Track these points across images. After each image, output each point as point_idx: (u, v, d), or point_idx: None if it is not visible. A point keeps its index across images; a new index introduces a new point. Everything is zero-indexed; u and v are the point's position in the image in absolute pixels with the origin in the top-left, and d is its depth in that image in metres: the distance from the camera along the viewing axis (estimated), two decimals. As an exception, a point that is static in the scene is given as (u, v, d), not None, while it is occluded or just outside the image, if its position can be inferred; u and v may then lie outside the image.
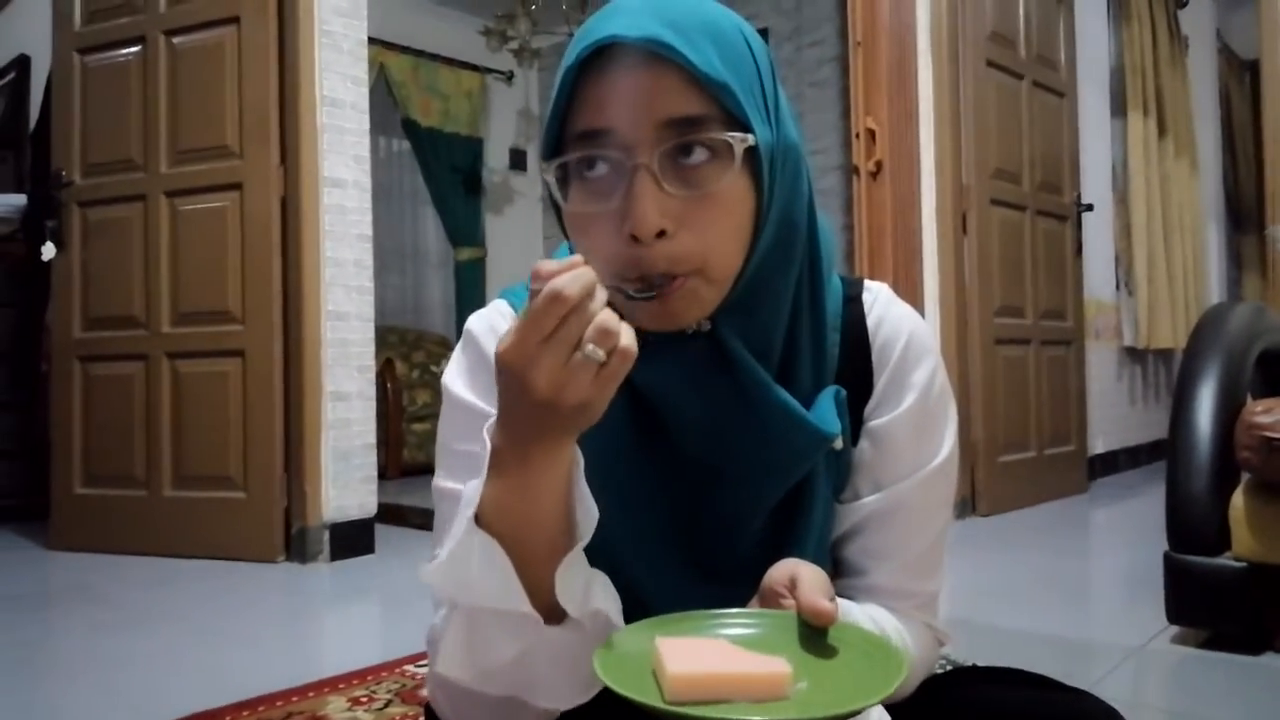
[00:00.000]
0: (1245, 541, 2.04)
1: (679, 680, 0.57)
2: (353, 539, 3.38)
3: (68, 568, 3.34)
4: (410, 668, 2.08)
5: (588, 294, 0.60)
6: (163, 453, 3.43)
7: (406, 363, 5.89)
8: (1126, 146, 5.37)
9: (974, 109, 3.94)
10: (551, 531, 0.69)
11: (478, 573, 0.68)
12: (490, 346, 0.85)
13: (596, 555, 0.73)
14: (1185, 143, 5.90)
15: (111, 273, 3.54)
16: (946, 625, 0.92)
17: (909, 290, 3.72)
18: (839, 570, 0.88)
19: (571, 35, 0.83)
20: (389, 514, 3.86)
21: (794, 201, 0.79)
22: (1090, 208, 4.70)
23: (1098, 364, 5.06)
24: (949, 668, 1.07)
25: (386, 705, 1.85)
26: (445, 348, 6.25)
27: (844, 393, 0.83)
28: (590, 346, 0.60)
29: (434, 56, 6.60)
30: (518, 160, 7.30)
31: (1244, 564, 2.05)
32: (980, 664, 1.44)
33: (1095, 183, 5.04)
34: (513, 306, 0.89)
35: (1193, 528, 2.12)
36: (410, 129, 6.53)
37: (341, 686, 1.97)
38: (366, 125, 3.52)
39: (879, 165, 3.76)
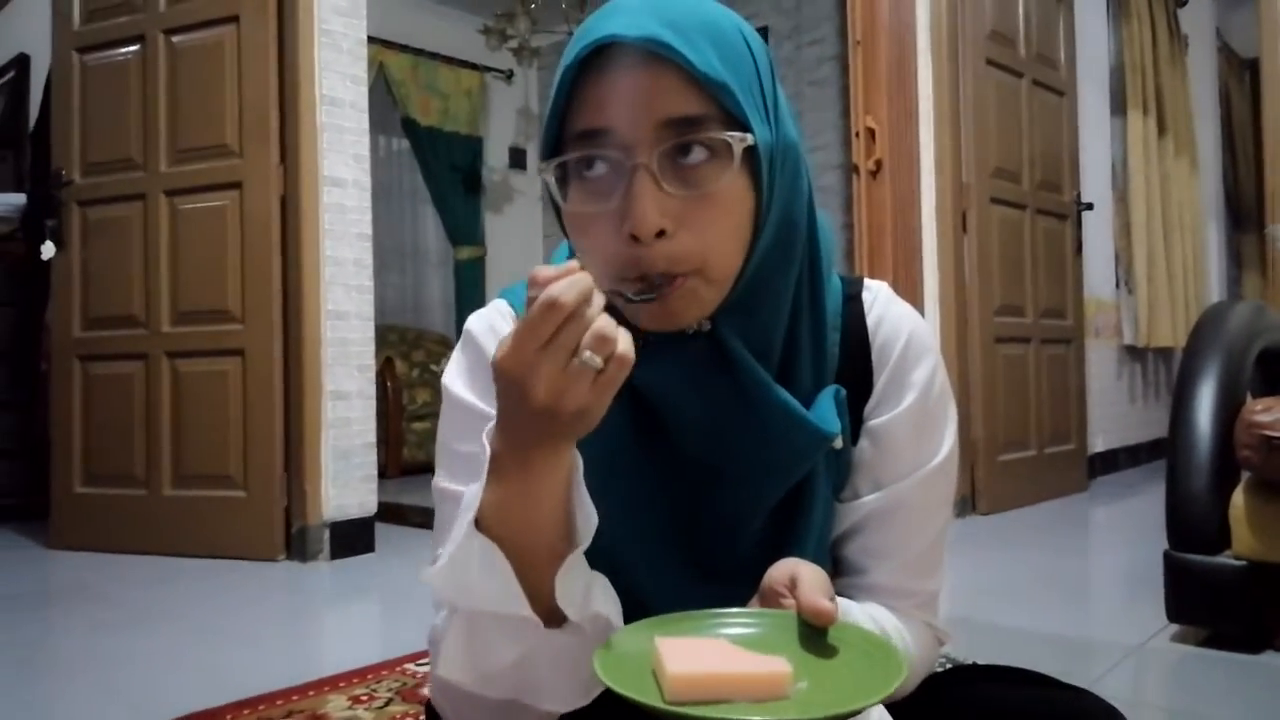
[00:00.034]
0: (1245, 540, 2.04)
1: (679, 680, 0.57)
2: (353, 538, 3.38)
3: (68, 567, 3.34)
4: (410, 666, 2.08)
5: (584, 300, 0.60)
6: (163, 452, 3.44)
7: (406, 362, 5.89)
8: (1126, 145, 5.37)
9: (974, 108, 3.94)
10: (551, 535, 0.69)
11: (478, 576, 0.68)
12: (490, 346, 0.85)
13: (597, 555, 0.73)
14: (1185, 141, 5.90)
15: (111, 272, 3.54)
16: (946, 624, 0.92)
17: (909, 289, 3.72)
18: (839, 569, 0.88)
19: (571, 34, 0.82)
20: (389, 513, 3.86)
21: (794, 201, 0.79)
22: (1090, 206, 4.69)
23: (1098, 362, 5.06)
24: (949, 666, 1.07)
25: (387, 704, 1.85)
26: (445, 346, 6.25)
27: (844, 392, 0.83)
28: (588, 353, 0.60)
29: (433, 55, 6.60)
30: (517, 159, 7.30)
31: (1244, 562, 2.05)
32: (980, 662, 1.44)
33: (1095, 181, 5.04)
34: (512, 306, 0.89)
35: (1193, 526, 2.12)
36: (410, 128, 6.53)
37: (342, 685, 1.97)
38: (366, 124, 3.52)
39: (879, 164, 3.76)
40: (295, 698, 1.89)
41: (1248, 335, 2.28)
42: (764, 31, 5.90)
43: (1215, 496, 2.10)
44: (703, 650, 0.61)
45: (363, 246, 3.48)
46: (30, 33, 4.77)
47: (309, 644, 2.53)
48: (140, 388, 3.48)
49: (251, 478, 3.31)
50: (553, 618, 0.71)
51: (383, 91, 6.22)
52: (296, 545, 3.29)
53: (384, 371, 5.32)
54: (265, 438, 3.29)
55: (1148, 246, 5.40)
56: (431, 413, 5.64)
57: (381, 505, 3.57)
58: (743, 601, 0.72)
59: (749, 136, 0.72)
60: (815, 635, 0.65)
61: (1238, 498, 2.07)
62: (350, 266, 3.43)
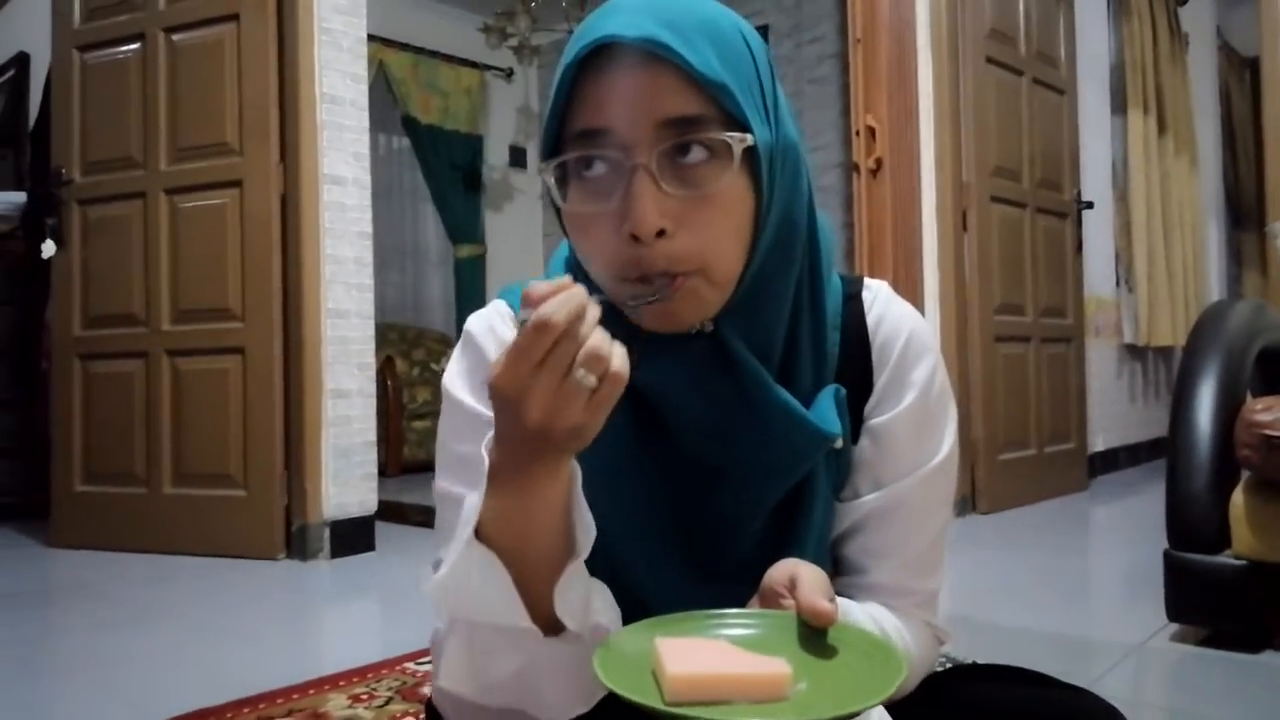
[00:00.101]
0: (1245, 539, 2.04)
1: (679, 681, 0.57)
2: (353, 536, 3.38)
3: (68, 565, 3.34)
4: (410, 665, 2.08)
5: (577, 318, 0.60)
6: (163, 450, 3.44)
7: (406, 360, 5.89)
8: (1126, 144, 5.37)
9: (974, 106, 3.94)
10: (551, 546, 0.70)
11: (477, 588, 0.69)
12: (489, 347, 0.85)
13: (597, 554, 0.73)
14: (1185, 140, 5.90)
15: (111, 270, 3.54)
16: (946, 623, 0.92)
17: (909, 288, 3.72)
18: (839, 568, 0.88)
19: (571, 32, 0.83)
20: (389, 511, 3.86)
21: (794, 201, 0.79)
22: (1090, 205, 4.69)
23: (1098, 361, 5.06)
24: (949, 665, 1.07)
25: (387, 703, 1.85)
26: (445, 345, 6.25)
27: (844, 392, 0.83)
28: (581, 372, 0.60)
29: (434, 53, 6.60)
30: (517, 157, 7.30)
31: (1244, 562, 2.05)
32: (980, 661, 1.44)
33: (1095, 180, 5.04)
34: (511, 307, 0.89)
35: (1193, 525, 2.12)
36: (410, 126, 6.53)
37: (342, 684, 1.97)
38: (366, 122, 3.52)
39: (879, 163, 3.76)
40: (295, 696, 1.89)
41: (1248, 334, 2.28)
42: (764, 29, 5.90)
43: (1215, 496, 2.10)
44: (703, 651, 0.61)
45: (363, 245, 3.48)
46: (30, 31, 4.76)
47: (309, 643, 2.53)
48: (140, 386, 3.48)
49: (252, 476, 3.31)
50: (553, 627, 0.71)
51: (383, 90, 6.23)
52: (297, 544, 3.29)
53: (384, 370, 5.33)
54: (265, 436, 3.29)
55: (1148, 245, 5.40)
56: (432, 411, 5.64)
57: (382, 504, 3.57)
58: (743, 601, 0.72)
59: (748, 137, 0.72)
60: (815, 636, 0.65)
61: (1238, 497, 2.07)
62: (350, 265, 3.43)
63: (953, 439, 0.88)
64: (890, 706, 0.76)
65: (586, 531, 0.70)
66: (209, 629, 2.53)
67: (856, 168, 3.83)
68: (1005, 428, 4.04)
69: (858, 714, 0.57)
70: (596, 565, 0.74)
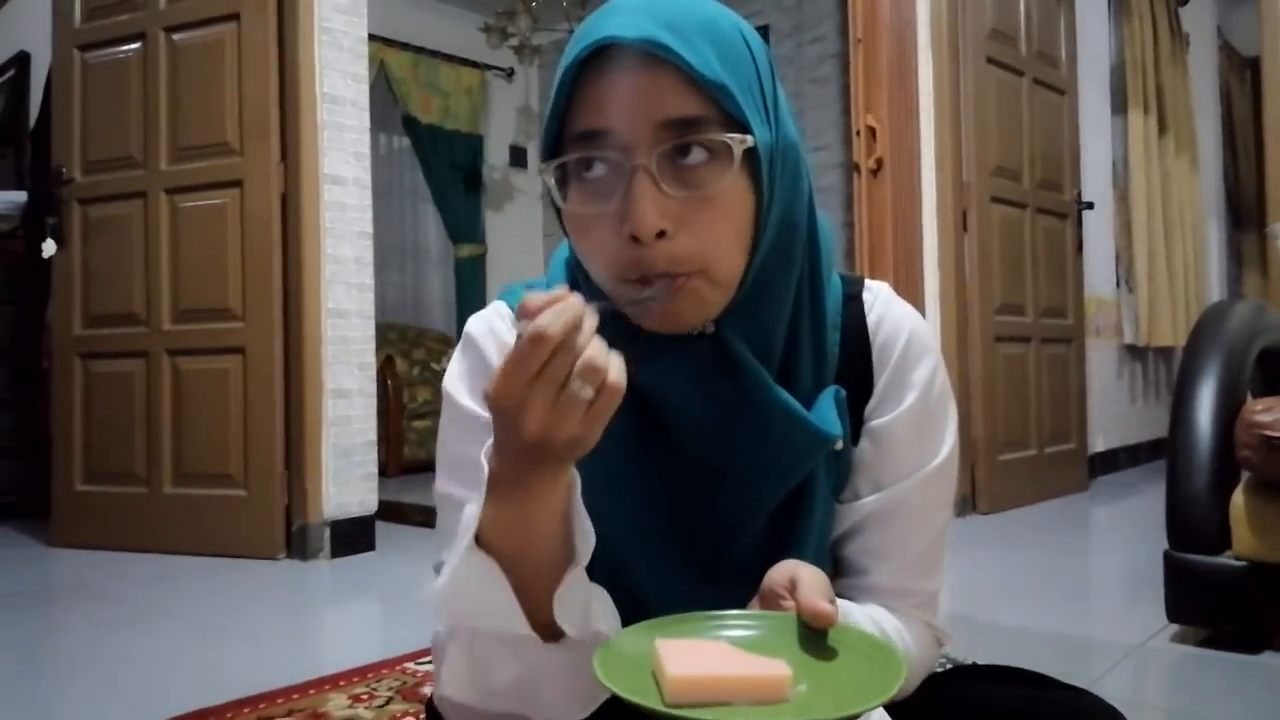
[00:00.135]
0: (1245, 540, 2.04)
1: (679, 683, 0.57)
2: (353, 536, 3.38)
3: (68, 564, 3.34)
4: (411, 665, 2.08)
5: (573, 329, 0.60)
6: (163, 450, 3.44)
7: (407, 360, 5.89)
8: (1127, 144, 5.36)
9: (974, 106, 3.94)
10: (551, 553, 0.70)
11: (477, 595, 0.69)
12: (489, 348, 0.86)
13: (597, 554, 0.73)
14: (1186, 140, 5.90)
15: (112, 270, 3.54)
16: (946, 623, 0.92)
17: (909, 288, 3.72)
18: (839, 570, 0.88)
19: (572, 32, 0.83)
20: (390, 511, 3.86)
21: (794, 202, 0.79)
22: (1091, 205, 4.69)
23: (1098, 362, 5.06)
24: (949, 666, 1.07)
25: (387, 703, 1.85)
26: (446, 345, 6.25)
27: (844, 393, 0.83)
28: (578, 384, 0.60)
29: (434, 53, 6.60)
30: (518, 157, 7.30)
31: (1244, 563, 2.05)
32: (980, 662, 1.44)
33: (1096, 180, 5.04)
34: (511, 308, 0.89)
35: (1193, 526, 2.12)
36: (410, 126, 6.53)
37: (342, 684, 1.97)
38: (367, 122, 3.52)
39: (879, 162, 3.76)
40: (296, 696, 1.89)
41: (1248, 334, 2.28)
42: (765, 29, 5.90)
43: (1215, 496, 2.10)
44: (703, 652, 0.61)
45: (363, 244, 3.48)
46: (31, 30, 4.76)
47: (309, 642, 2.53)
48: (141, 386, 3.48)
49: (252, 476, 3.31)
50: (553, 633, 0.71)
51: (383, 89, 6.22)
52: (297, 543, 3.29)
53: (384, 370, 5.32)
54: (266, 436, 3.29)
55: (1148, 245, 5.40)
56: (432, 411, 5.64)
57: (382, 503, 3.57)
58: (743, 602, 0.73)
59: (749, 138, 0.72)
60: (815, 638, 0.65)
61: (1238, 498, 2.07)
62: (351, 264, 3.43)
63: (953, 440, 0.88)
64: (890, 707, 0.76)
65: (586, 539, 0.70)
66: (209, 629, 2.53)
67: (857, 167, 3.84)
68: (1005, 428, 4.04)
69: (858, 716, 0.57)
70: (596, 565, 0.74)
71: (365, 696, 1.89)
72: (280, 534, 3.28)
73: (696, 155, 0.72)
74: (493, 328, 0.87)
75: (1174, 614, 2.16)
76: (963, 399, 3.77)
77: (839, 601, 0.70)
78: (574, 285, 0.84)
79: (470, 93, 6.86)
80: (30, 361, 4.38)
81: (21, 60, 5.12)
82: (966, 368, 3.89)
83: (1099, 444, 4.98)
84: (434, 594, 0.70)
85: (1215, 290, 6.49)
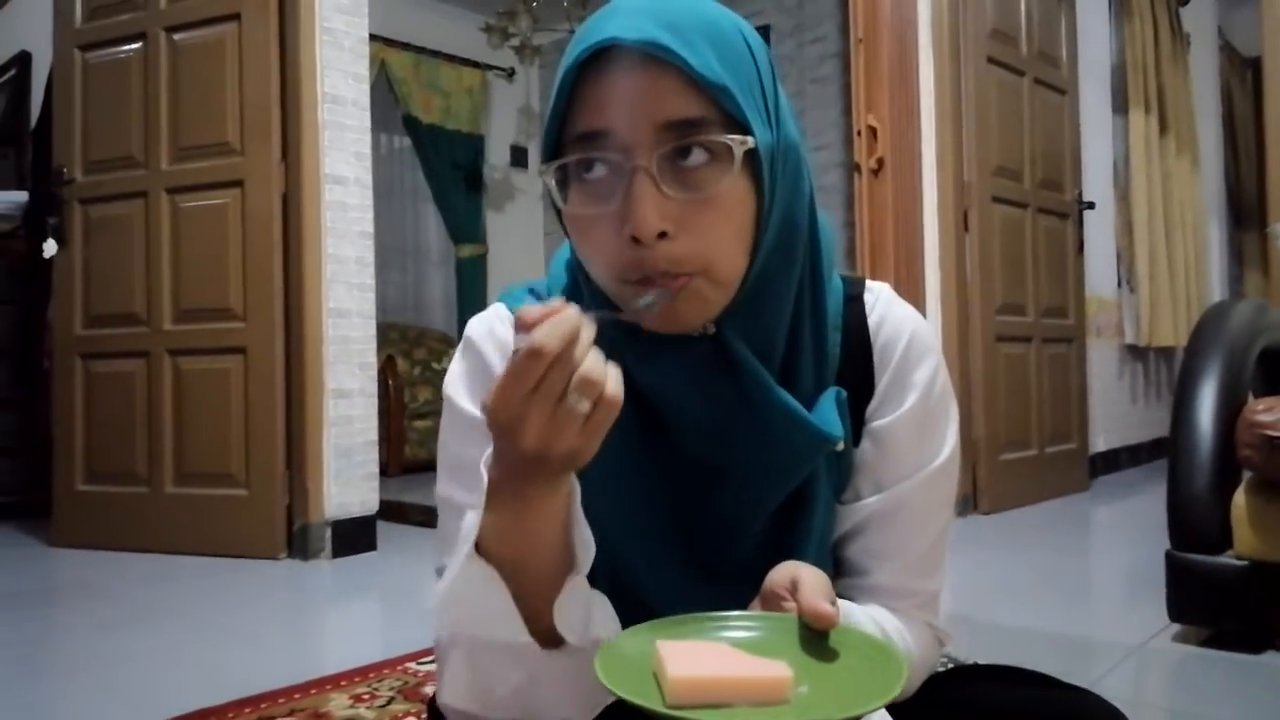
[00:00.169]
0: (1247, 540, 2.04)
1: (680, 684, 0.57)
2: (354, 536, 3.38)
3: (69, 564, 3.34)
4: (412, 665, 2.08)
5: (570, 342, 0.60)
6: (164, 450, 3.44)
7: (408, 360, 5.89)
8: (1128, 144, 5.36)
9: (975, 106, 3.94)
10: (551, 560, 0.70)
11: (477, 604, 0.70)
12: (489, 351, 0.86)
13: (598, 554, 0.73)
14: (1187, 140, 5.90)
15: (113, 270, 3.54)
16: (948, 623, 0.92)
17: (910, 288, 3.72)
18: (840, 570, 0.88)
19: (573, 32, 0.82)
20: (391, 511, 3.86)
21: (795, 202, 0.79)
22: (1092, 205, 4.69)
23: (1099, 361, 5.05)
24: (950, 666, 1.07)
25: (389, 703, 1.85)
26: (447, 344, 6.25)
27: (845, 394, 0.83)
28: (575, 397, 0.60)
29: (435, 53, 6.60)
30: (519, 157, 7.30)
31: (1245, 562, 2.05)
32: (981, 661, 1.44)
33: (1097, 180, 5.04)
34: (511, 310, 0.89)
35: (1194, 526, 2.12)
36: (411, 126, 6.53)
37: (343, 684, 1.97)
38: (368, 122, 3.52)
39: (880, 162, 3.76)
40: (297, 696, 1.89)
41: (1249, 334, 2.28)
42: (766, 29, 5.89)
43: (1217, 496, 2.10)
44: (704, 654, 0.61)
45: (364, 244, 3.48)
46: (32, 30, 4.77)
47: (310, 642, 2.53)
48: (142, 385, 3.48)
49: (253, 476, 3.31)
50: (554, 639, 0.72)
51: (384, 89, 6.23)
52: (298, 543, 3.29)
53: (385, 369, 5.33)
54: (267, 435, 3.30)
55: (1149, 245, 5.39)
56: (433, 410, 5.64)
57: (383, 503, 3.57)
58: (744, 602, 0.72)
59: (749, 139, 0.72)
60: (816, 639, 0.65)
61: (1239, 497, 2.07)
62: (352, 264, 3.43)
63: (954, 441, 0.88)
64: (892, 707, 0.76)
65: (586, 548, 0.71)
66: (210, 629, 2.53)
67: (858, 167, 3.84)
68: (1006, 428, 4.04)
69: (859, 717, 0.57)
70: (597, 565, 0.74)
71: (367, 696, 1.89)
72: (281, 534, 3.29)
73: (697, 156, 0.72)
74: (493, 330, 0.87)
75: (1175, 614, 2.16)
76: (964, 399, 3.77)
77: (840, 602, 0.70)
78: (575, 286, 0.84)
79: (471, 93, 6.86)
80: (31, 361, 4.38)
81: (22, 60, 5.12)
82: (967, 367, 3.89)
83: (1100, 444, 4.97)
84: (434, 602, 0.71)
85: (1216, 290, 6.48)
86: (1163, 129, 5.59)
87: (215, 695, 1.88)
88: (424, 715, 1.64)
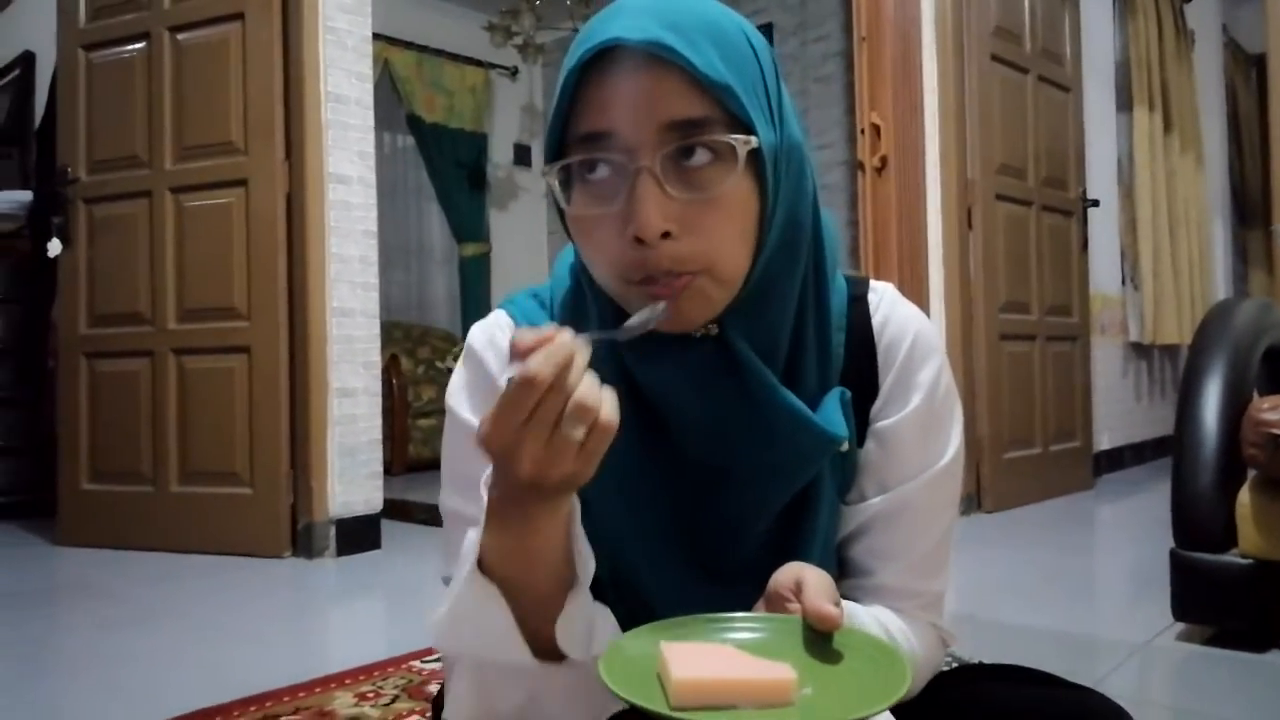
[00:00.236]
0: (1251, 538, 2.04)
1: (684, 686, 0.57)
2: (359, 534, 3.39)
3: (74, 563, 3.35)
4: (416, 664, 2.08)
5: (563, 369, 0.60)
6: (169, 449, 3.44)
7: (412, 358, 5.90)
8: (1132, 141, 5.35)
9: (979, 104, 3.93)
10: (552, 576, 0.71)
11: (478, 623, 0.70)
12: (490, 360, 0.86)
13: (600, 550, 0.74)
14: (1191, 137, 5.89)
15: (117, 269, 3.55)
16: (951, 622, 0.92)
17: (914, 286, 3.71)
18: (844, 570, 0.88)
19: (576, 30, 0.83)
20: (395, 509, 3.86)
21: (798, 202, 0.78)
22: (1096, 203, 4.68)
23: (1103, 359, 5.05)
24: (954, 665, 1.07)
25: (393, 701, 1.85)
26: (450, 343, 6.26)
27: (849, 394, 0.82)
28: (569, 424, 0.60)
29: (438, 52, 6.60)
30: (522, 156, 7.30)
31: (1250, 561, 2.05)
32: (985, 660, 1.44)
33: (1101, 178, 5.03)
34: (511, 317, 0.89)
35: (1199, 524, 2.12)
36: (415, 125, 6.53)
37: (348, 682, 1.97)
38: (371, 121, 3.52)
39: (884, 160, 3.76)
40: (301, 694, 1.90)
41: (1254, 332, 2.27)
42: (769, 28, 5.89)
43: (1221, 494, 2.10)
44: (708, 656, 0.61)
45: (368, 243, 3.48)
46: (36, 30, 4.77)
47: (315, 641, 2.53)
48: (146, 385, 3.49)
49: (257, 475, 3.32)
50: (558, 652, 0.72)
51: (388, 88, 6.23)
52: (302, 542, 3.30)
53: (389, 368, 5.33)
54: (271, 435, 3.30)
55: (1153, 243, 5.39)
56: (437, 409, 5.65)
57: (387, 502, 3.57)
58: (748, 603, 0.72)
59: (753, 139, 0.72)
60: (820, 641, 0.65)
61: (1244, 496, 2.07)
62: (355, 263, 3.43)
63: (959, 441, 0.88)
64: (895, 706, 0.76)
65: (586, 564, 0.71)
66: (214, 627, 2.53)
67: (861, 165, 3.83)
68: (1010, 426, 4.03)
69: None
70: (600, 566, 0.74)
71: (371, 695, 1.89)
72: (286, 532, 3.29)
73: (701, 156, 0.71)
74: (493, 339, 0.88)
75: (1179, 612, 2.16)
76: (968, 397, 3.77)
77: (844, 603, 0.70)
78: (578, 289, 0.84)
79: (474, 91, 6.86)
80: (36, 361, 4.39)
81: (26, 60, 5.13)
82: (971, 366, 3.88)
83: (1104, 442, 4.97)
84: (435, 622, 0.72)
85: (1220, 288, 6.47)
86: (1167, 126, 5.58)
87: (219, 694, 1.89)
88: (428, 713, 1.65)
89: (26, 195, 4.58)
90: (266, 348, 3.31)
